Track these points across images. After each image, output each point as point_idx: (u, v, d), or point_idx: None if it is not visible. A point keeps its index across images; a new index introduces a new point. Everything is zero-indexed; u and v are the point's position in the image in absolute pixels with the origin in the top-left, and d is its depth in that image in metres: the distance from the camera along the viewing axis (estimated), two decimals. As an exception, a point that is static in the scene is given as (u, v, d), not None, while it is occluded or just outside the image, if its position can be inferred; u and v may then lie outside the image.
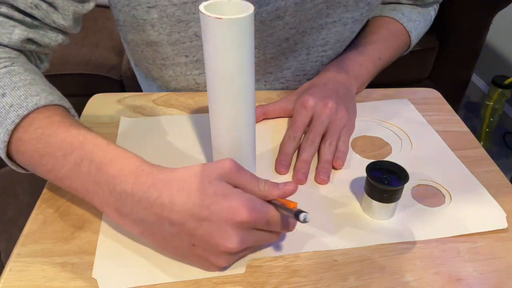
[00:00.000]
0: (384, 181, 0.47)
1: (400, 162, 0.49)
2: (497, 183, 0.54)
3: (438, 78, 1.52)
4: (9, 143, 0.43)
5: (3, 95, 0.43)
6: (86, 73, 1.43)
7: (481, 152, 0.59)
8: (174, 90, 0.71)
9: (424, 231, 0.47)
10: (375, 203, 0.48)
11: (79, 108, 0.65)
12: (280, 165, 0.55)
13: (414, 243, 0.46)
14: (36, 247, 0.44)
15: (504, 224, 0.48)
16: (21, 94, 0.44)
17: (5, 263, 0.43)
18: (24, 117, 0.43)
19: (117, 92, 0.70)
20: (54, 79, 1.45)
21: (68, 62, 1.43)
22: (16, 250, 0.44)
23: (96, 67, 1.44)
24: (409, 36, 0.74)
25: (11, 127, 0.42)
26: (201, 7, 0.40)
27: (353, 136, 0.61)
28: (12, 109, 0.42)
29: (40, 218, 0.47)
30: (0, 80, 0.45)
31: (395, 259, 0.45)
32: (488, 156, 0.59)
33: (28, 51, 0.53)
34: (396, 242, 0.46)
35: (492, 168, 0.57)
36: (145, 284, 0.41)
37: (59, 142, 0.41)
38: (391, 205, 0.48)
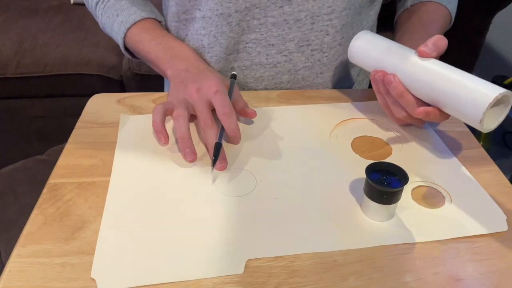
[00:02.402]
0: (384, 182, 0.47)
1: (400, 162, 0.49)
2: (497, 183, 0.54)
3: (438, 78, 1.52)
4: (124, 43, 0.74)
5: (118, 15, 0.73)
6: (86, 73, 1.43)
7: (481, 152, 0.59)
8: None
9: (424, 233, 0.47)
10: (374, 205, 0.48)
11: (79, 108, 0.65)
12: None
13: (414, 243, 0.46)
14: (36, 248, 0.44)
15: (504, 227, 0.48)
16: (126, 13, 0.72)
17: (5, 263, 0.43)
18: (129, 28, 0.72)
19: (117, 92, 0.70)
20: (55, 79, 1.45)
21: (68, 62, 1.43)
22: (16, 251, 0.44)
23: (96, 67, 1.44)
24: (450, 13, 0.76)
25: (123, 34, 0.72)
26: None
27: (353, 136, 0.61)
28: (122, 24, 0.72)
29: (40, 218, 0.47)
30: (114, 5, 0.74)
31: (395, 259, 0.45)
32: (488, 156, 0.59)
33: None
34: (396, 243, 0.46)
35: (492, 168, 0.57)
36: (145, 284, 0.41)
37: (145, 39, 0.71)
38: (391, 206, 0.48)
